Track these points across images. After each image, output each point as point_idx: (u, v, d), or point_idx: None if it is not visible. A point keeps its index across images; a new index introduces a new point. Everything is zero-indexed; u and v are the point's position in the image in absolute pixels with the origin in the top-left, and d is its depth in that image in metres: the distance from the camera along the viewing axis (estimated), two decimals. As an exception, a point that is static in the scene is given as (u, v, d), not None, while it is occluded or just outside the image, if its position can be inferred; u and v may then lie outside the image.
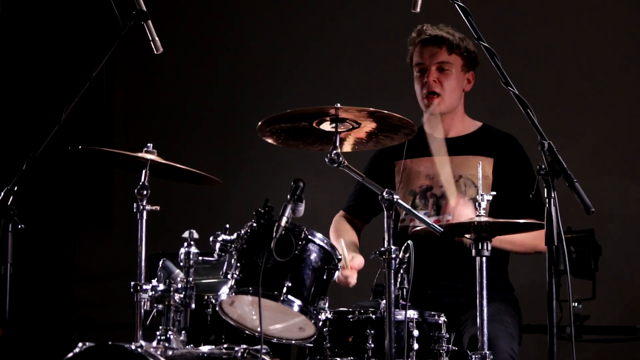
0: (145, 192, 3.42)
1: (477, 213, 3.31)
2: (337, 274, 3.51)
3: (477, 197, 3.33)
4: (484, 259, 3.31)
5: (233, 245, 3.27)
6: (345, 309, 3.39)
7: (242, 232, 3.27)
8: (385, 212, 3.14)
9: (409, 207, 3.31)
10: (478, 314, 3.27)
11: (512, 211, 3.76)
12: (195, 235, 3.38)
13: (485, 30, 3.02)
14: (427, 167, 4.05)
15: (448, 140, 4.07)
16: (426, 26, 4.06)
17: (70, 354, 3.14)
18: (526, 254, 3.95)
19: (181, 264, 3.36)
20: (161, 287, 3.32)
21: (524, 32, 6.32)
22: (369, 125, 3.27)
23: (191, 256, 3.36)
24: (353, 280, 3.74)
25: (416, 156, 4.07)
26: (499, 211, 3.67)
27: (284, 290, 3.14)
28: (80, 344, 3.15)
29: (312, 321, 3.21)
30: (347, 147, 3.43)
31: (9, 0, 6.89)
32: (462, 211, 3.69)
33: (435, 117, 4.06)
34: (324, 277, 3.26)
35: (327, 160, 3.19)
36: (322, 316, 3.24)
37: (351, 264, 3.76)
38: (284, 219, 3.13)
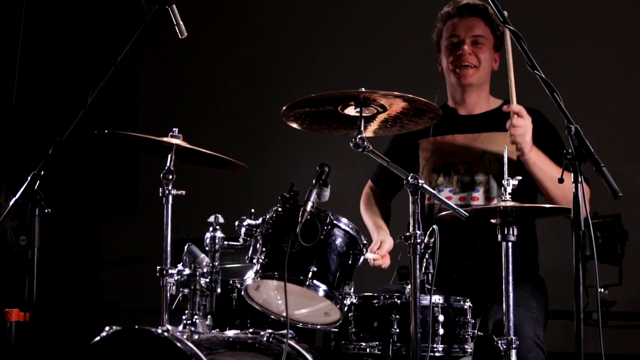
0: (170, 177, 3.42)
1: (503, 198, 3.30)
2: (370, 257, 3.67)
3: (503, 181, 3.32)
4: (510, 243, 3.30)
5: (258, 230, 3.27)
6: (370, 293, 3.39)
7: (268, 216, 3.27)
8: (410, 197, 3.13)
9: (434, 192, 3.30)
10: (504, 299, 3.26)
11: (535, 191, 3.75)
12: (221, 220, 3.38)
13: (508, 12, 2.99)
14: (451, 144, 4.03)
15: (473, 117, 4.05)
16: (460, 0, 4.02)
17: (97, 338, 3.15)
18: (552, 197, 3.78)
19: (207, 248, 3.37)
20: (187, 271, 3.33)
21: (550, 13, 6.28)
22: (395, 107, 3.25)
23: (217, 241, 3.36)
24: (386, 264, 3.83)
25: (440, 134, 4.05)
26: (526, 189, 3.64)
27: (310, 275, 3.14)
28: (106, 328, 3.16)
29: (338, 306, 3.21)
30: (372, 132, 3.42)
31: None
32: (519, 123, 3.65)
33: (463, 91, 4.03)
34: (349, 262, 3.25)
35: (351, 144, 3.18)
36: (348, 301, 3.24)
37: (381, 252, 3.79)
38: (310, 204, 3.12)
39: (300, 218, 3.10)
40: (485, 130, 3.97)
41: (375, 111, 3.25)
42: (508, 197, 3.30)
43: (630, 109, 6.02)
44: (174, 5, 3.30)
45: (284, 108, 3.26)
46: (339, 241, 3.23)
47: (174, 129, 3.52)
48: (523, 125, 3.63)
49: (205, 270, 3.32)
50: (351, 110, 3.25)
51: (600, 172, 2.76)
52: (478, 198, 3.89)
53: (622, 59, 6.07)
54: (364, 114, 3.21)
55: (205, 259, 3.34)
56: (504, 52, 3.88)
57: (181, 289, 3.33)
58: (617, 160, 5.46)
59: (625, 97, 6.04)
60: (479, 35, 3.97)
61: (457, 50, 3.97)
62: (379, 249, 3.84)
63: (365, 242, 3.31)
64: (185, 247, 3.37)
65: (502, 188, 3.32)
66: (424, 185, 3.15)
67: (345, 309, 3.24)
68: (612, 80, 6.08)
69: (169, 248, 3.43)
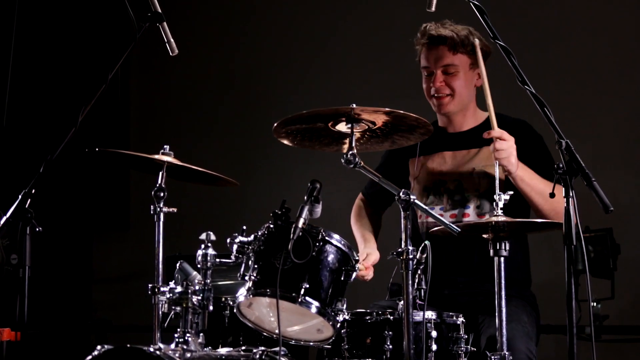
0: (162, 194, 3.41)
1: (495, 212, 3.30)
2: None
3: (495, 196, 3.32)
4: (502, 258, 3.29)
5: (250, 247, 3.27)
6: (363, 310, 3.38)
7: (259, 233, 3.27)
8: (402, 213, 3.13)
9: (426, 208, 3.30)
10: (497, 314, 3.26)
11: (527, 205, 3.75)
12: (213, 237, 3.38)
13: (494, 24, 3.00)
14: (440, 162, 4.03)
15: (460, 134, 4.05)
16: (429, 26, 3.98)
17: (89, 357, 3.14)
18: (544, 214, 3.77)
19: (198, 265, 3.36)
20: (179, 289, 3.32)
21: (533, 28, 6.30)
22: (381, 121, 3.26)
23: (208, 258, 3.35)
24: (369, 276, 3.83)
25: (430, 152, 4.06)
26: (518, 204, 3.64)
27: (302, 291, 3.13)
28: (99, 347, 3.15)
29: (330, 323, 3.20)
30: (363, 148, 3.42)
31: (25, 3, 6.93)
32: (502, 147, 3.62)
33: (445, 115, 4.04)
34: (342, 279, 3.25)
35: (343, 161, 3.18)
36: (340, 317, 3.23)
37: (366, 264, 3.80)
38: (301, 220, 3.12)
39: (292, 235, 3.10)
40: (473, 147, 3.98)
41: (367, 127, 3.25)
42: (500, 212, 3.30)
43: (620, 123, 6.04)
44: (165, 23, 3.31)
45: (275, 125, 3.26)
46: (331, 257, 3.22)
47: (165, 146, 3.51)
48: (506, 147, 3.61)
49: (197, 287, 3.31)
50: (342, 127, 3.25)
51: (592, 186, 2.77)
52: (469, 215, 3.89)
53: (611, 72, 6.09)
54: (355, 130, 3.21)
55: (197, 277, 3.33)
56: (488, 66, 3.89)
57: (173, 307, 3.32)
58: (608, 175, 5.47)
59: (615, 111, 6.05)
60: (448, 65, 3.95)
61: (430, 81, 3.98)
62: (364, 261, 3.85)
63: (357, 258, 3.31)
64: (177, 265, 3.36)
65: (494, 203, 3.32)
66: (416, 201, 3.15)
67: (338, 325, 3.23)
68: (602, 95, 6.10)
69: (160, 266, 3.42)
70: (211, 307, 3.32)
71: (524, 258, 3.98)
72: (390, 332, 3.27)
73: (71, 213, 7.65)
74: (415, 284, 3.18)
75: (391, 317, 3.28)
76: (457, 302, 3.77)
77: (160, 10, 3.30)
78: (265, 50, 7.46)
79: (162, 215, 3.42)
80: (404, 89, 5.93)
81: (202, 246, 3.37)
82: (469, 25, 3.95)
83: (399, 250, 3.10)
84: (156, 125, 7.82)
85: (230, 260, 3.33)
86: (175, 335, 3.28)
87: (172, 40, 3.33)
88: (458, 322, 3.37)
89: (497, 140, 3.61)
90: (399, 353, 3.21)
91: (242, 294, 3.24)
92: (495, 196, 3.32)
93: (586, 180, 2.77)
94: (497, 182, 3.38)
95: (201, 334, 3.32)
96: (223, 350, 3.36)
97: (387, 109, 3.15)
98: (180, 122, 7.69)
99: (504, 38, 2.98)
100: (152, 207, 3.42)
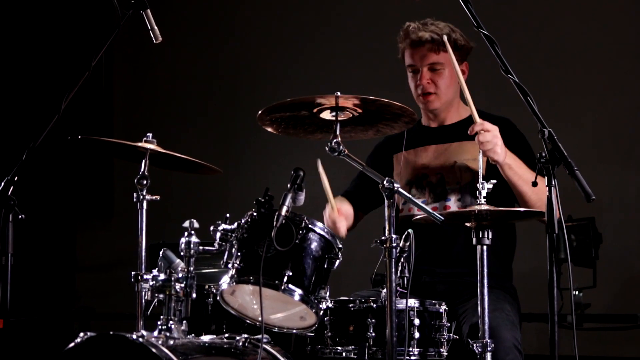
0: (145, 182, 3.41)
1: (478, 201, 3.31)
2: (325, 215, 3.76)
3: (478, 185, 3.32)
4: (485, 247, 3.30)
5: (234, 235, 3.27)
6: (346, 298, 3.39)
7: (243, 221, 3.27)
8: (385, 201, 3.14)
9: (410, 196, 3.30)
10: (479, 302, 3.27)
11: (509, 194, 3.75)
12: (196, 225, 3.37)
13: (482, 17, 3.00)
14: (423, 156, 4.04)
15: (444, 128, 4.06)
16: (412, 26, 3.99)
17: (72, 344, 3.14)
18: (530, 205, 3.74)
19: (182, 253, 3.35)
20: (162, 276, 3.31)
21: (522, 17, 6.31)
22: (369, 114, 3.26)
23: (192, 246, 3.35)
24: (342, 228, 3.80)
25: (413, 147, 4.07)
26: (497, 195, 3.65)
27: (285, 279, 3.14)
28: (81, 334, 3.15)
29: (313, 310, 3.21)
30: (347, 136, 3.42)
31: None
32: (485, 138, 3.57)
33: (432, 112, 4.06)
34: (325, 266, 3.26)
35: (327, 149, 3.19)
36: (323, 305, 3.24)
37: (338, 207, 3.80)
38: (285, 208, 3.13)
39: (275, 222, 3.10)
40: (455, 140, 3.99)
41: (351, 115, 3.26)
42: (483, 200, 3.30)
43: (603, 114, 6.06)
44: (149, 10, 3.30)
45: (260, 112, 3.26)
46: (314, 245, 3.23)
47: (148, 134, 3.51)
48: (490, 139, 3.57)
49: (180, 275, 3.31)
50: (327, 115, 3.25)
51: (574, 175, 2.78)
52: (450, 207, 3.90)
53: (597, 65, 6.11)
54: (339, 118, 3.22)
55: (180, 264, 3.33)
56: (473, 60, 3.90)
57: (156, 295, 3.32)
58: (590, 164, 5.49)
59: (598, 102, 6.07)
60: (434, 62, 3.97)
61: (416, 79, 4.00)
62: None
63: (340, 246, 3.32)
64: (161, 252, 3.36)
65: (477, 191, 3.32)
66: (400, 189, 3.15)
67: (321, 313, 3.24)
68: (586, 87, 6.12)
69: (144, 253, 3.42)
70: (194, 295, 3.32)
71: (507, 252, 3.98)
72: (373, 320, 3.28)
73: (54, 201, 7.64)
74: (399, 271, 3.19)
75: (374, 305, 3.29)
76: (435, 291, 3.78)
77: (144, -2, 3.30)
78: (251, 38, 7.45)
79: (145, 203, 3.42)
80: (390, 79, 5.95)
81: (186, 234, 3.37)
82: (452, 14, 3.95)
83: (383, 238, 3.10)
84: (140, 113, 7.81)
85: (213, 248, 3.33)
86: (158, 322, 3.28)
87: (155, 27, 3.32)
88: (441, 310, 3.38)
89: (480, 133, 3.59)
90: (382, 341, 3.21)
91: (225, 281, 3.24)
92: (478, 185, 3.32)
93: (568, 169, 2.78)
94: (480, 171, 3.38)
95: (184, 322, 3.32)
96: (206, 338, 3.37)
97: (371, 97, 3.15)
98: (164, 110, 7.68)
99: (491, 27, 2.98)
100: (135, 195, 3.42)
